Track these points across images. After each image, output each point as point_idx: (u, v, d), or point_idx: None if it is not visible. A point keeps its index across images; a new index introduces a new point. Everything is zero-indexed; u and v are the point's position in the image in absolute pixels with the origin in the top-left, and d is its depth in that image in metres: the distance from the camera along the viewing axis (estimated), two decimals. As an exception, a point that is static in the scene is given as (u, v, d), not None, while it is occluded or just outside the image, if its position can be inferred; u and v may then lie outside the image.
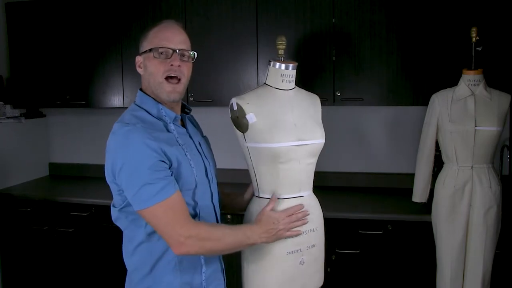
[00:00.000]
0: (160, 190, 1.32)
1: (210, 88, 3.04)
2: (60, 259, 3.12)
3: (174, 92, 1.45)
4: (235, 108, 1.66)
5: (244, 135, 1.67)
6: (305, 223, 1.64)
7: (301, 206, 1.63)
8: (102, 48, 3.22)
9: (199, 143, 1.55)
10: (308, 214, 1.65)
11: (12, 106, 3.46)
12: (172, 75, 1.44)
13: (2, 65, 3.55)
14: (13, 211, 3.19)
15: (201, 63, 3.01)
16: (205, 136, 1.68)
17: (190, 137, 1.52)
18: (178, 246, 1.33)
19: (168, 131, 1.44)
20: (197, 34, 3.02)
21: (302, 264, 1.71)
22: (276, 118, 1.65)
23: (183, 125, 1.54)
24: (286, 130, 1.64)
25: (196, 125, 1.66)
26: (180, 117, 1.51)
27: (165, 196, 1.32)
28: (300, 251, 1.70)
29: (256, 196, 1.74)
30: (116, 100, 3.23)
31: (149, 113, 1.45)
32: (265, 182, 1.69)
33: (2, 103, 3.41)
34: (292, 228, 1.59)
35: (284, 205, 1.68)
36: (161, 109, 1.46)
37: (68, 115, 3.74)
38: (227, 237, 1.42)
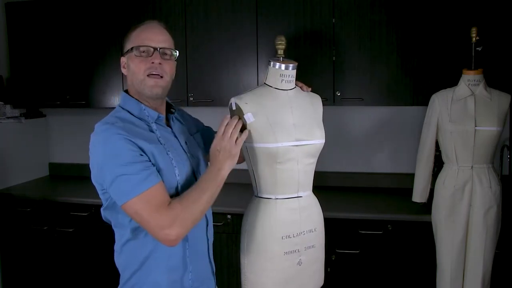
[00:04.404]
0: (141, 181, 1.30)
1: (210, 88, 3.04)
2: (60, 259, 3.12)
3: (156, 86, 1.43)
4: (234, 108, 1.66)
5: (243, 134, 1.66)
6: (241, 123, 1.55)
7: (227, 117, 1.55)
8: (102, 48, 3.22)
9: (186, 142, 1.53)
10: (239, 118, 1.56)
11: (12, 106, 3.46)
12: (154, 73, 1.43)
13: (2, 65, 3.55)
14: (13, 211, 3.19)
15: (201, 63, 3.04)
16: (198, 131, 1.65)
17: (175, 136, 1.51)
18: (166, 234, 1.30)
19: (151, 131, 1.44)
20: (197, 34, 3.03)
21: (300, 265, 1.71)
22: (274, 118, 1.65)
23: (169, 125, 1.53)
24: (285, 130, 1.64)
25: (184, 123, 1.63)
26: (163, 117, 1.50)
27: (146, 187, 1.30)
28: (298, 251, 1.70)
29: (256, 196, 1.74)
30: (116, 100, 3.22)
31: (131, 114, 1.45)
32: (263, 182, 1.69)
33: (2, 103, 3.41)
34: (233, 136, 1.49)
35: (282, 205, 1.68)
36: (144, 110, 1.45)
37: (68, 115, 3.74)
38: (202, 195, 1.37)
